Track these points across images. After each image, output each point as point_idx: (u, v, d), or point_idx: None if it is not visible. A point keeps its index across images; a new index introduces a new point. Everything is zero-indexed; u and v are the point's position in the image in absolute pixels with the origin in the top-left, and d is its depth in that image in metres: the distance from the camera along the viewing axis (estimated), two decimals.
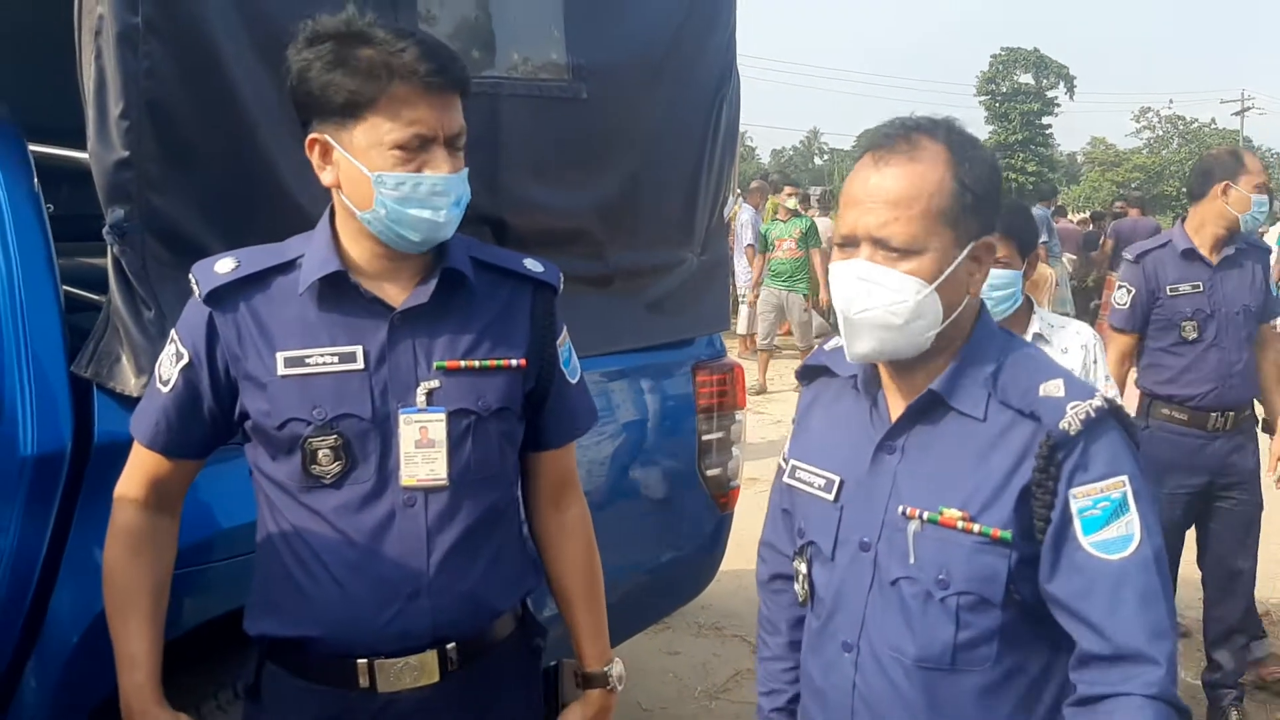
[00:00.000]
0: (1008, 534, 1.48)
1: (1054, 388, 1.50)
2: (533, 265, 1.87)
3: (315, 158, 1.69)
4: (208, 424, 1.76)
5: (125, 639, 1.77)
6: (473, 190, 2.48)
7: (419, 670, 1.73)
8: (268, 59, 2.03)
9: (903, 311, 1.49)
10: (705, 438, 3.14)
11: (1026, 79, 55.25)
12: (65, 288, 2.09)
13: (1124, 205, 14.76)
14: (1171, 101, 77.73)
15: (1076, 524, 1.46)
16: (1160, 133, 57.14)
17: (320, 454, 1.69)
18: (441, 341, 1.74)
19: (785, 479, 1.74)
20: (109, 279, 2.04)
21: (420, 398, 1.71)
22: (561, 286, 1.90)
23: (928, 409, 1.56)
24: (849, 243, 1.53)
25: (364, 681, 1.71)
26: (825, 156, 77.43)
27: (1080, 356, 2.88)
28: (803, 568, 1.68)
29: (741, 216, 11.42)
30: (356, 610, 1.69)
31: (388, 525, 1.71)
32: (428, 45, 1.64)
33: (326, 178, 1.69)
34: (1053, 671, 1.55)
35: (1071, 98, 56.16)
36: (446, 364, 1.73)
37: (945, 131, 1.53)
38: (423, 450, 1.71)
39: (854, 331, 1.53)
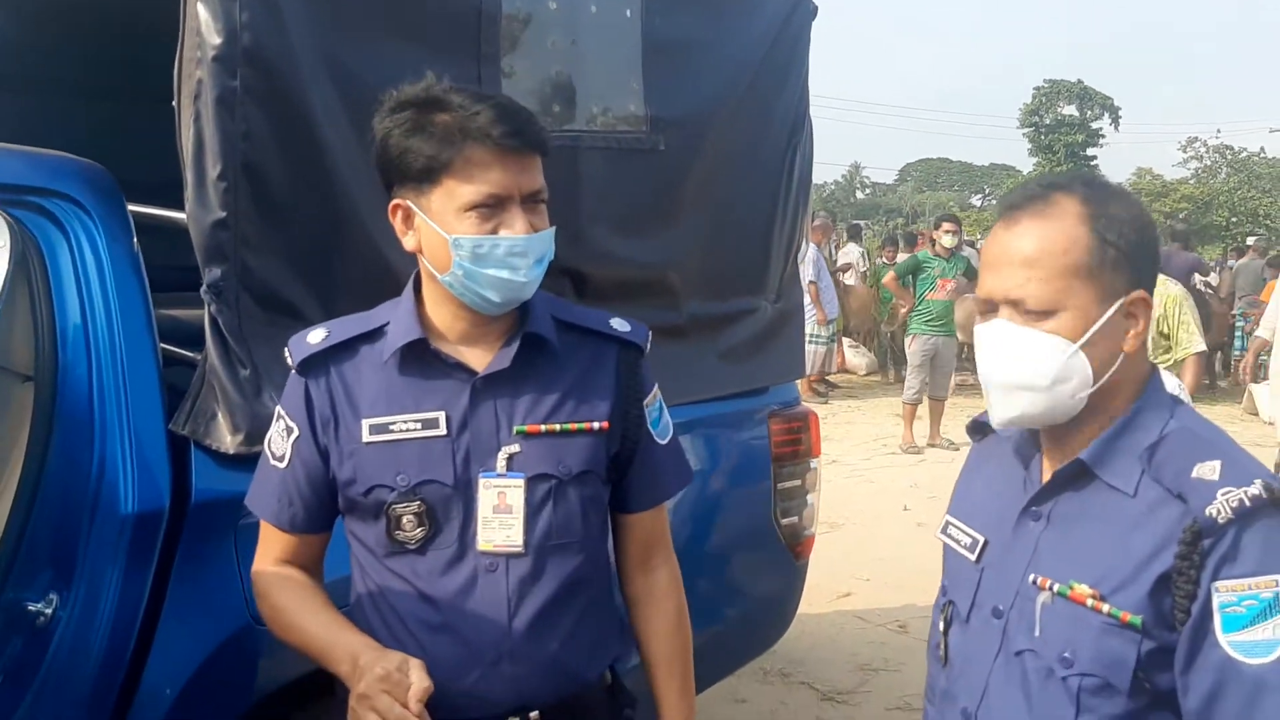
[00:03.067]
0: (1138, 619, 1.39)
1: (1209, 470, 1.39)
2: (619, 325, 1.86)
3: (398, 223, 1.70)
4: (326, 495, 1.76)
5: (316, 637, 1.70)
6: (556, 243, 2.53)
7: None
8: (357, 121, 2.06)
9: (1047, 372, 1.43)
10: (780, 486, 3.12)
11: (1070, 110, 54.99)
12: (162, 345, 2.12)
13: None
14: (1219, 131, 77.06)
15: (1216, 620, 1.34)
16: (1208, 163, 56.48)
17: (404, 519, 1.69)
18: (523, 405, 1.74)
19: (939, 534, 1.69)
20: (205, 337, 2.07)
21: (501, 463, 1.71)
22: (649, 346, 1.89)
23: (1076, 477, 1.49)
24: (989, 307, 1.49)
25: None
26: (867, 190, 77.37)
27: None
28: (941, 626, 1.64)
29: (805, 253, 11.17)
30: (439, 674, 1.64)
31: (470, 590, 1.70)
32: (504, 108, 1.64)
33: (409, 243, 1.70)
34: None
35: (1116, 129, 55.83)
36: (527, 428, 1.73)
37: (1082, 185, 1.48)
38: (500, 516, 1.70)
39: (997, 396, 1.48)
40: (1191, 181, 53.00)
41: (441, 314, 1.73)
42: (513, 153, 1.63)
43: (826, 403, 11.69)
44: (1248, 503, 1.35)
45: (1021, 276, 1.43)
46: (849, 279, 13.89)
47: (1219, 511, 1.35)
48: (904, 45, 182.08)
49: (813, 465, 3.26)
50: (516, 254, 1.65)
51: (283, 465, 1.75)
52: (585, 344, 1.82)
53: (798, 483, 3.19)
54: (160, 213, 2.26)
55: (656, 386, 1.91)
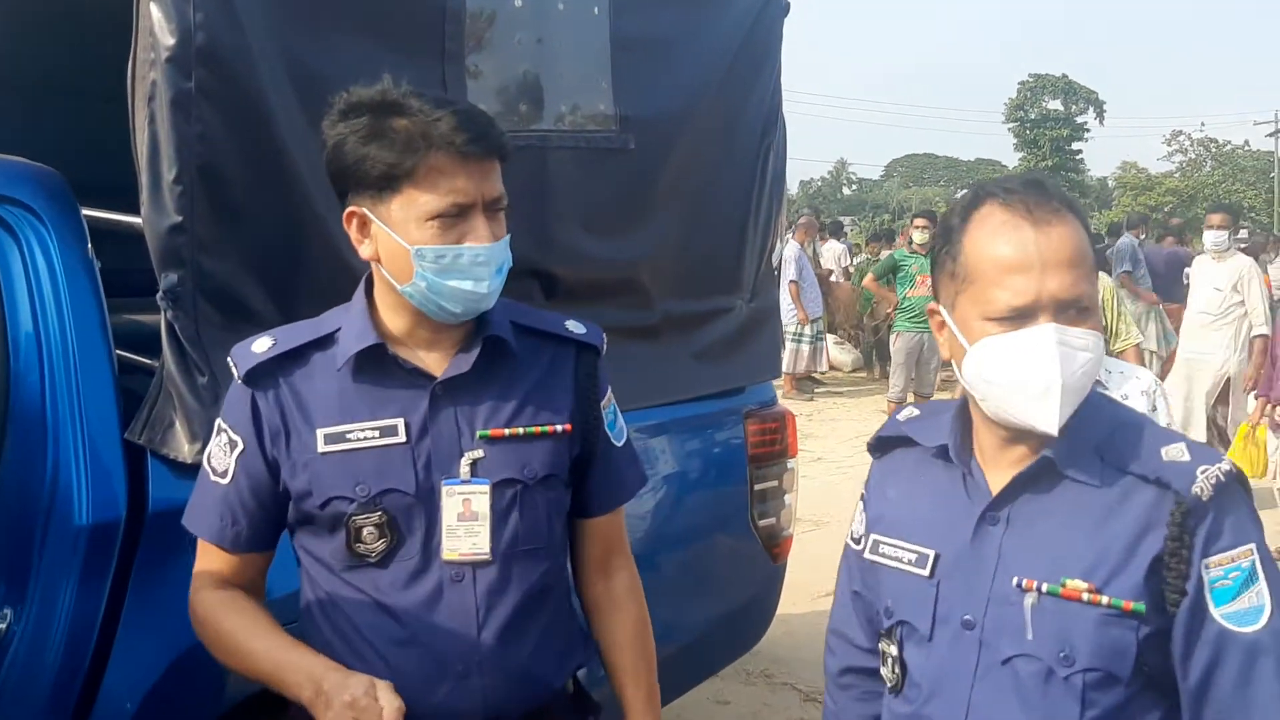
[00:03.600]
0: (1140, 605, 1.39)
1: (1177, 452, 1.43)
2: (575, 327, 1.83)
3: (353, 231, 1.66)
4: (273, 511, 1.71)
5: (269, 661, 1.63)
6: (521, 243, 2.48)
7: None
8: (317, 122, 1.99)
9: (1093, 367, 1.43)
10: (757, 487, 3.10)
11: (1055, 105, 55.08)
12: (117, 351, 2.08)
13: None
14: (1203, 124, 77.31)
15: (1208, 595, 1.38)
16: (1193, 156, 56.60)
17: (365, 531, 1.64)
18: (484, 410, 1.70)
19: (867, 555, 1.63)
20: (162, 344, 2.03)
21: (464, 469, 1.67)
22: (605, 348, 1.86)
23: (1038, 477, 1.47)
24: (1024, 314, 1.40)
25: None
26: (853, 186, 77.41)
27: (1143, 405, 2.80)
28: (892, 649, 1.57)
29: (786, 253, 11.12)
30: (406, 690, 1.59)
31: (436, 601, 1.66)
32: (464, 114, 1.61)
33: (365, 251, 1.66)
34: None
35: (1101, 123, 55.93)
36: (490, 433, 1.69)
37: (1056, 191, 1.47)
38: (465, 523, 1.66)
39: (1069, 397, 1.40)
40: (1176, 175, 53.24)
41: (397, 321, 1.69)
42: (475, 160, 1.59)
43: (812, 399, 11.69)
44: (1223, 479, 1.40)
45: (1071, 276, 1.40)
46: (832, 276, 13.90)
47: (1202, 490, 1.38)
48: (889, 40, 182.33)
49: (790, 465, 3.23)
50: (480, 264, 1.61)
51: (225, 481, 1.69)
52: (543, 347, 1.79)
53: (775, 483, 3.16)
54: (115, 217, 2.21)
55: (610, 389, 1.88)
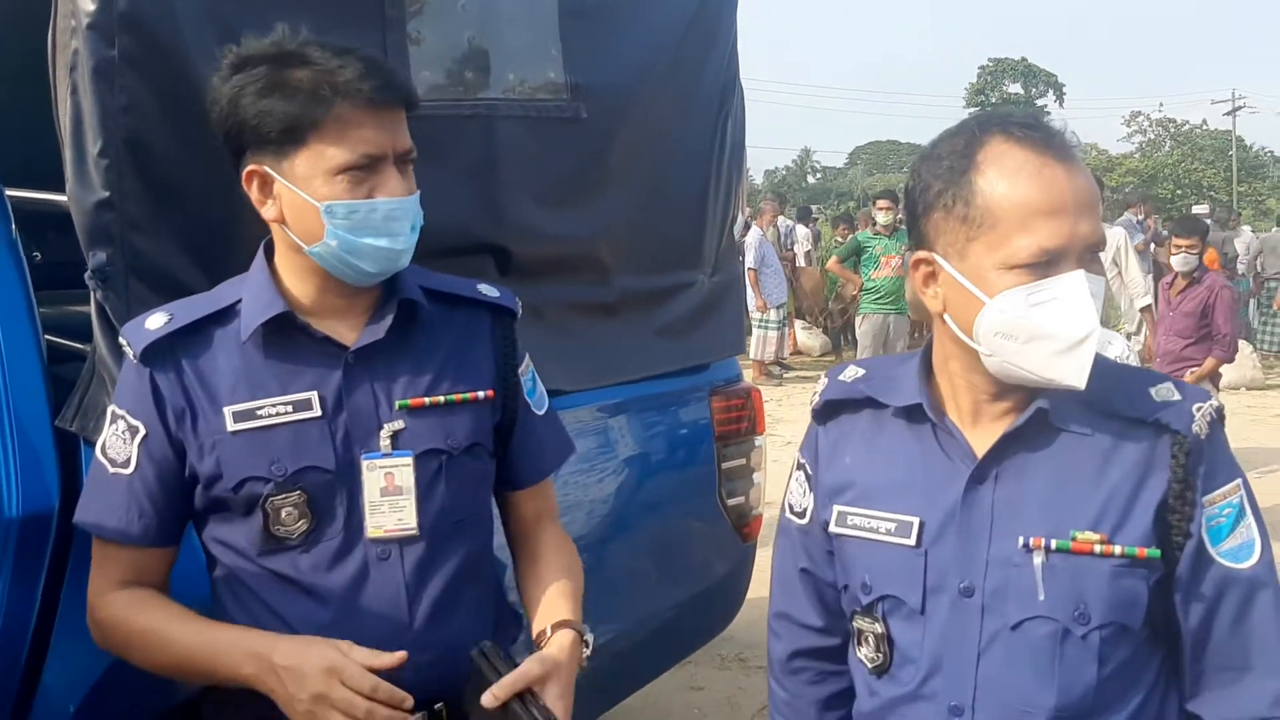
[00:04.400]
0: (1155, 551, 1.35)
1: (1167, 391, 1.39)
2: (488, 290, 1.78)
3: (254, 192, 1.59)
4: (180, 499, 1.62)
5: (199, 647, 1.56)
6: (472, 217, 2.41)
7: None
8: None
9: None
10: (725, 466, 3.03)
11: (1015, 89, 55.43)
12: (48, 337, 1.98)
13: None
14: (1162, 105, 77.98)
15: (1204, 534, 1.36)
16: (1152, 136, 56.96)
17: (284, 513, 1.57)
18: (402, 380, 1.64)
19: (833, 528, 1.52)
20: (93, 326, 1.93)
21: (384, 441, 1.60)
22: (520, 311, 1.80)
23: (1028, 429, 1.39)
24: (1054, 259, 1.30)
25: None
26: (818, 175, 77.52)
27: None
28: (876, 627, 1.47)
29: (749, 238, 11.06)
30: None
31: (362, 582, 1.59)
32: (370, 61, 1.55)
33: (268, 212, 1.59)
34: (1171, 698, 1.44)
35: (1061, 105, 56.32)
36: (410, 402, 1.63)
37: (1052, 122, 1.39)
38: (389, 498, 1.59)
39: (1088, 350, 1.31)
40: (1136, 156, 53.58)
41: (304, 287, 1.61)
42: (385, 108, 1.52)
43: (781, 384, 11.66)
44: (1216, 416, 1.38)
45: (1093, 220, 1.32)
46: (800, 260, 13.88)
47: (1201, 429, 1.36)
48: (850, 27, 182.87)
49: (758, 443, 3.16)
50: (394, 218, 1.54)
51: (128, 471, 1.60)
52: (456, 312, 1.73)
53: (743, 461, 3.09)
54: (38, 196, 2.11)
55: (529, 356, 1.82)
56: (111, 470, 1.61)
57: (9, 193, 2.01)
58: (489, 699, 1.46)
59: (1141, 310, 7.25)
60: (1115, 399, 1.39)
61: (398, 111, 1.56)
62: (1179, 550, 1.36)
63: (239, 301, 1.62)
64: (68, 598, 1.87)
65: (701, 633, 3.25)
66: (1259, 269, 14.77)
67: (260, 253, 1.66)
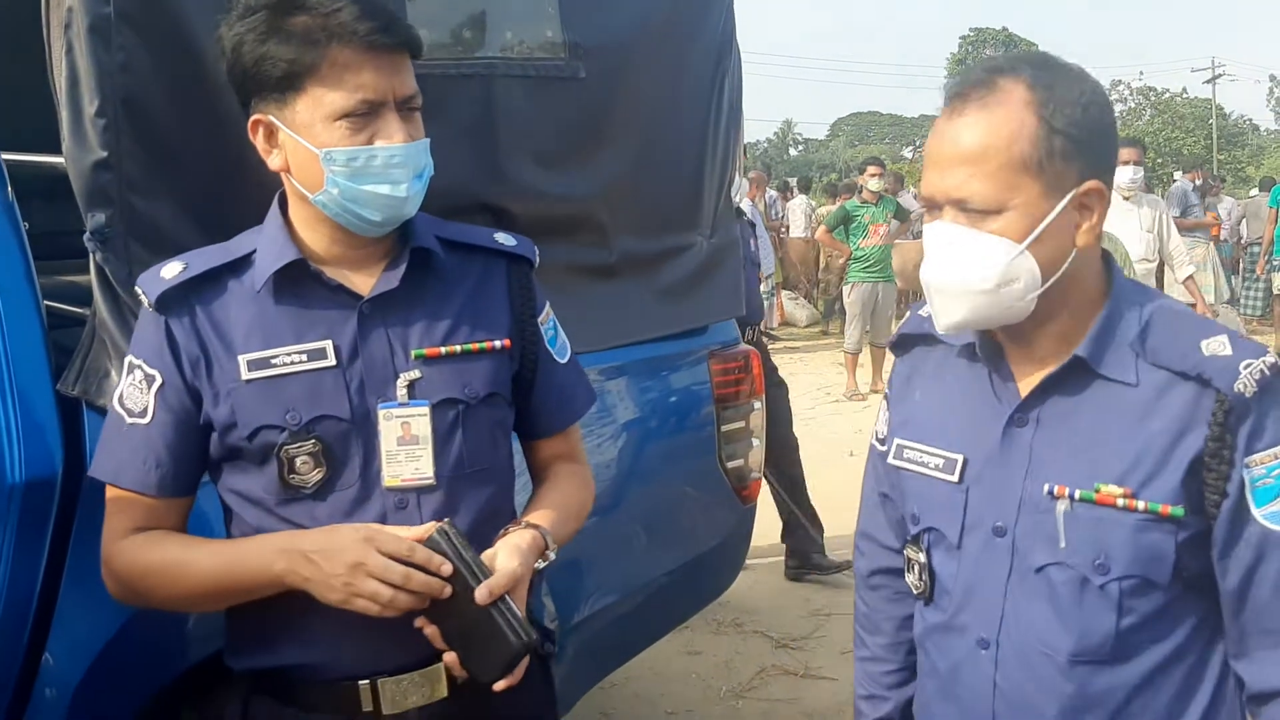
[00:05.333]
0: (1179, 510, 1.35)
1: (1219, 345, 1.36)
2: (504, 239, 1.76)
3: (260, 141, 1.57)
4: (197, 449, 1.60)
5: (223, 560, 1.55)
6: (471, 177, 2.38)
7: (426, 686, 1.60)
8: None
9: (992, 276, 1.35)
10: (724, 429, 3.02)
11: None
12: (47, 303, 1.95)
13: None
14: (1142, 73, 78.05)
15: (1249, 495, 1.34)
16: (1132, 105, 57.05)
17: (298, 462, 1.55)
18: (417, 328, 1.62)
19: (890, 460, 1.58)
20: (93, 289, 1.90)
21: (400, 391, 1.59)
22: (537, 259, 1.79)
23: (1068, 376, 1.41)
24: (931, 205, 1.41)
25: (367, 705, 1.58)
26: (799, 147, 77.44)
27: None
28: (920, 557, 1.53)
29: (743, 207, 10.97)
30: (354, 628, 1.53)
31: None
32: (368, 4, 1.51)
33: (274, 162, 1.57)
34: (1211, 654, 1.43)
35: None
36: (426, 352, 1.61)
37: (1029, 67, 1.37)
38: (406, 448, 1.58)
39: (941, 300, 1.40)
40: (1117, 124, 53.68)
41: (315, 237, 1.60)
42: (384, 51, 1.50)
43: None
44: (1268, 373, 1.34)
45: (964, 174, 1.34)
46: (796, 230, 13.86)
47: (1245, 386, 1.32)
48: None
49: (756, 406, 3.15)
50: (395, 165, 1.51)
51: (145, 421, 1.57)
52: (472, 260, 1.71)
53: (742, 424, 3.09)
54: (34, 159, 2.08)
55: (549, 304, 1.80)
56: (129, 421, 1.58)
57: (3, 156, 1.97)
58: (484, 594, 1.46)
59: (1184, 282, 6.74)
60: (1164, 349, 1.38)
61: (399, 56, 1.53)
62: (1215, 509, 1.35)
63: (254, 251, 1.61)
64: (72, 564, 1.86)
65: (702, 595, 3.25)
66: (1240, 235, 14.84)
67: (275, 203, 1.64)
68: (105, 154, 1.84)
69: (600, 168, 2.67)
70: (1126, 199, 6.38)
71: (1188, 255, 6.93)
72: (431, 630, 1.51)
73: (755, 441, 3.14)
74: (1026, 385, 1.44)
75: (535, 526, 1.64)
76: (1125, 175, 6.31)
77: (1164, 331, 1.39)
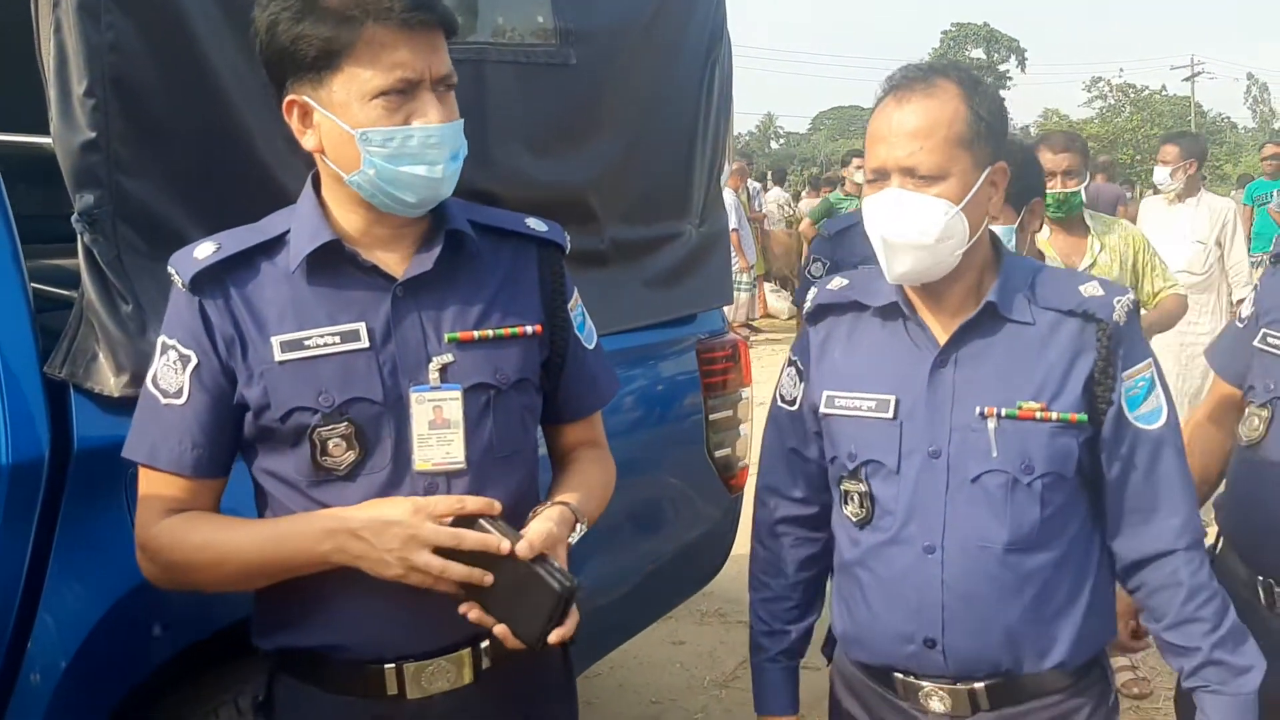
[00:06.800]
0: (1084, 416, 1.69)
1: (1093, 289, 1.72)
2: (536, 224, 1.75)
3: (295, 122, 1.55)
4: (232, 428, 1.59)
5: (268, 539, 1.56)
6: (464, 165, 2.36)
7: (452, 672, 1.61)
8: (240, 27, 1.86)
9: (934, 231, 1.64)
10: (712, 417, 3.02)
11: (978, 54, 55.70)
12: (34, 285, 1.93)
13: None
14: (1122, 70, 78.47)
15: (1123, 402, 1.69)
16: (1112, 101, 57.39)
17: (331, 444, 1.54)
18: (451, 312, 1.61)
19: (822, 410, 1.82)
20: (81, 271, 1.88)
21: (433, 374, 1.58)
22: (569, 245, 1.79)
23: (981, 321, 1.72)
24: (880, 175, 1.68)
25: (392, 688, 1.58)
26: (781, 140, 77.50)
27: None
28: (860, 487, 1.77)
29: (726, 199, 10.97)
30: (382, 611, 1.55)
31: None
32: None
33: (309, 142, 1.55)
34: (1094, 538, 1.76)
35: (1023, 70, 56.76)
36: (459, 336, 1.60)
37: (955, 71, 1.71)
38: (437, 432, 1.57)
39: (892, 253, 1.67)
40: (1096, 121, 53.93)
41: (350, 218, 1.59)
42: (421, 29, 1.48)
43: (750, 347, 11.66)
44: (1131, 306, 1.72)
45: (914, 146, 1.64)
46: (767, 222, 13.87)
47: (1120, 317, 1.69)
48: None
49: (744, 395, 3.16)
50: (432, 145, 1.50)
51: (180, 401, 1.56)
52: (504, 245, 1.70)
53: (730, 413, 3.09)
54: (19, 139, 2.06)
55: (576, 290, 1.81)
56: (164, 401, 1.57)
57: None
58: (525, 549, 1.48)
59: (1237, 304, 5.24)
60: (1051, 295, 1.73)
61: (435, 34, 1.52)
62: (1103, 415, 1.69)
63: (287, 232, 1.59)
64: (59, 549, 1.84)
65: (690, 584, 3.25)
66: None
67: (308, 184, 1.63)
68: (94, 134, 1.82)
69: (591, 155, 2.66)
70: (1172, 203, 5.75)
71: (1249, 274, 5.77)
72: (476, 613, 1.51)
73: (743, 430, 3.15)
74: (942, 333, 1.74)
75: (564, 503, 1.64)
76: (1160, 174, 5.80)
77: (1049, 282, 1.75)
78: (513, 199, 2.45)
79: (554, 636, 1.52)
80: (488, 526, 1.51)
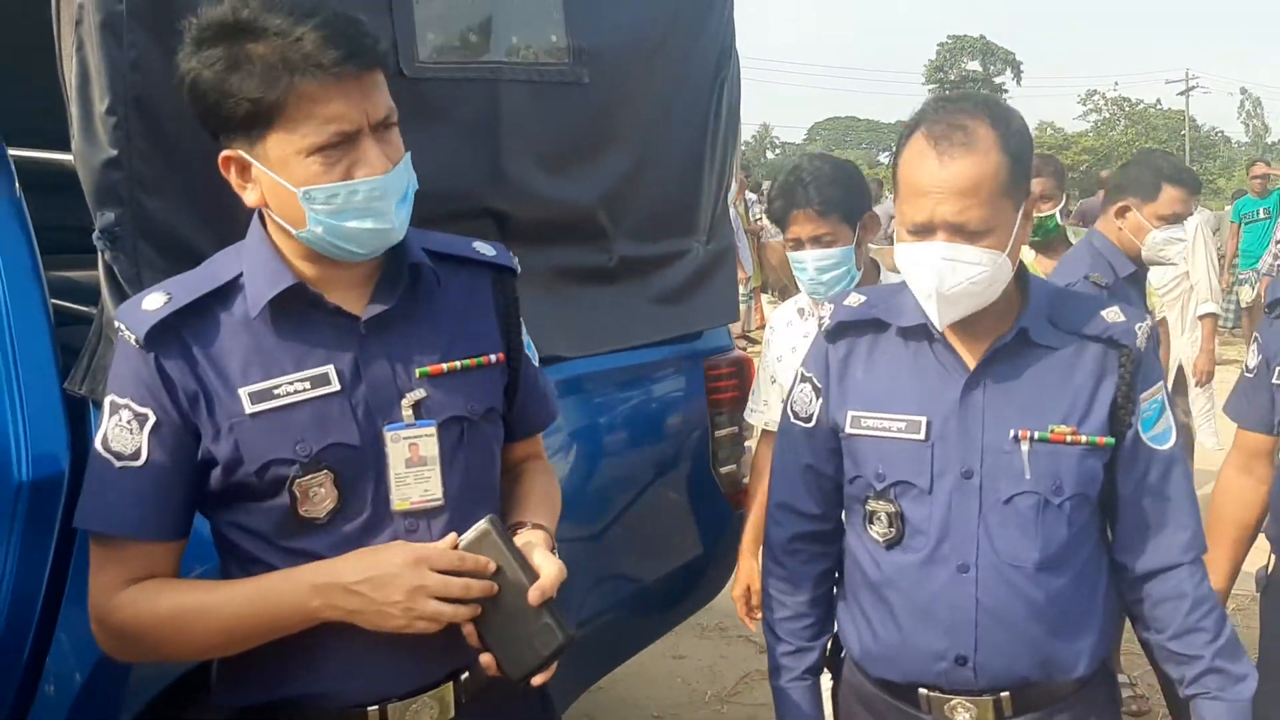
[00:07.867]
0: (1111, 439, 1.74)
1: (1114, 314, 1.77)
2: (484, 249, 1.70)
3: (233, 177, 1.48)
4: (195, 487, 1.51)
5: (246, 600, 1.47)
6: (474, 180, 2.39)
7: (435, 707, 1.57)
8: None
9: (984, 280, 1.67)
10: (718, 434, 3.03)
11: (974, 66, 55.87)
12: (54, 301, 1.94)
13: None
14: (1117, 84, 78.67)
15: (1138, 423, 1.76)
16: (1107, 115, 57.64)
17: (311, 493, 1.48)
18: (416, 346, 1.56)
19: (847, 430, 1.82)
20: (101, 288, 1.90)
21: (406, 411, 1.53)
22: (519, 268, 1.74)
23: (1010, 345, 1.74)
24: (924, 230, 1.67)
25: None
26: (777, 150, 77.63)
27: None
28: (890, 507, 1.79)
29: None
30: (365, 655, 1.51)
31: None
32: (329, 25, 1.40)
33: (250, 198, 1.48)
34: (1104, 557, 1.83)
35: (1019, 83, 56.87)
36: (430, 369, 1.56)
37: (985, 108, 1.69)
38: (414, 469, 1.53)
39: (945, 305, 1.69)
40: (1091, 134, 54.16)
41: (303, 265, 1.52)
42: (352, 79, 1.40)
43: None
44: (1151, 332, 1.77)
45: (961, 204, 1.64)
46: (768, 234, 13.86)
47: (1141, 343, 1.75)
48: (806, 3, 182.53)
49: None
50: (377, 198, 1.45)
51: (138, 463, 1.47)
52: (460, 272, 1.66)
53: (735, 430, 3.10)
54: (43, 155, 2.07)
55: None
56: (119, 464, 1.48)
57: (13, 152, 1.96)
58: (536, 595, 1.48)
59: (1201, 318, 5.69)
60: (1075, 320, 1.77)
61: (369, 76, 1.44)
62: (1123, 438, 1.75)
63: (240, 275, 1.52)
64: (78, 563, 1.85)
65: (694, 600, 3.26)
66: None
67: (256, 222, 1.55)
68: (115, 152, 1.84)
69: (601, 172, 2.69)
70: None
71: (1210, 287, 5.88)
72: (469, 629, 1.49)
73: (748, 446, 3.16)
74: (968, 354, 1.76)
75: (541, 526, 1.63)
76: None
77: (1070, 308, 1.79)
78: (524, 217, 2.49)
79: (538, 678, 1.51)
80: (498, 541, 1.50)
